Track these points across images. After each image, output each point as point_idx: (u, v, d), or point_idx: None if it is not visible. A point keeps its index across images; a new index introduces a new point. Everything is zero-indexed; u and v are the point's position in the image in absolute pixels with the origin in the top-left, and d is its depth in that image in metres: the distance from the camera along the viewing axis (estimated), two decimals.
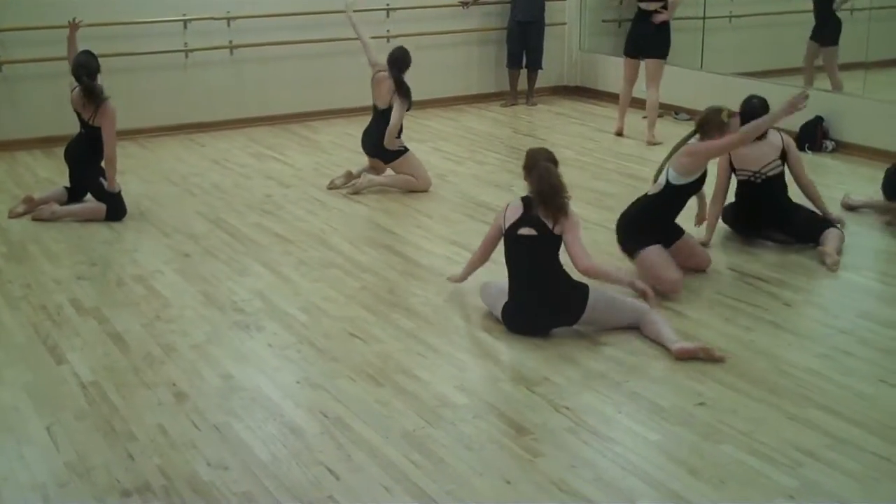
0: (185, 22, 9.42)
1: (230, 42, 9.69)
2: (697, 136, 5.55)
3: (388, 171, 7.68)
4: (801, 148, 8.53)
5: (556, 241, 4.89)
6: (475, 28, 10.88)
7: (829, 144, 8.60)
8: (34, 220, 6.81)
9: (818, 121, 8.63)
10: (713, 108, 5.58)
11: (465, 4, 10.59)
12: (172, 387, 4.44)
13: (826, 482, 3.67)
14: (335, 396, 4.35)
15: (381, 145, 7.50)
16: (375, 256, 6.14)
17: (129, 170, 8.08)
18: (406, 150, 7.59)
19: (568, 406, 4.23)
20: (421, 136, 9.25)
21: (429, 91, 10.39)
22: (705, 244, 6.11)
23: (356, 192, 7.48)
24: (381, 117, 7.52)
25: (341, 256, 6.13)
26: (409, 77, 7.44)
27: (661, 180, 5.52)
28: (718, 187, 6.18)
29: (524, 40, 10.48)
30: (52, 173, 7.94)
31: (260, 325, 5.13)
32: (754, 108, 5.96)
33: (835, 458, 3.82)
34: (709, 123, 5.50)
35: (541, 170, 4.89)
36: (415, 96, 7.43)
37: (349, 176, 7.67)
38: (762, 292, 5.51)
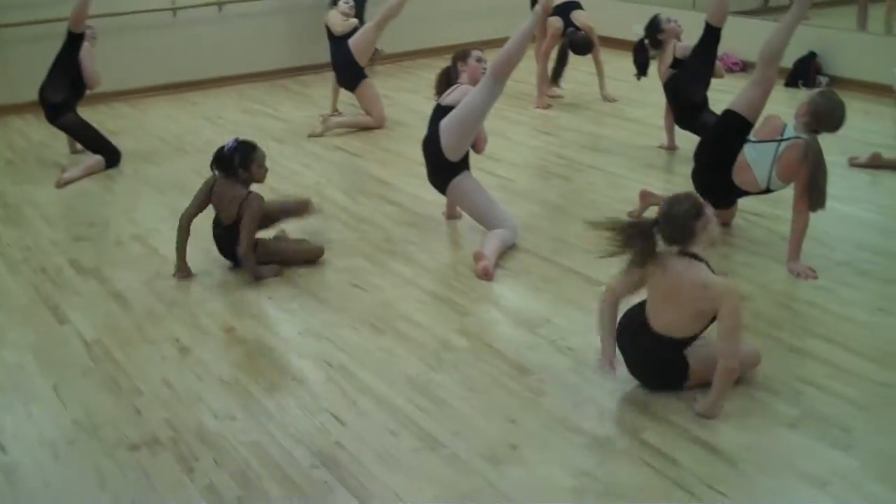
0: None
1: None
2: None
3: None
4: (794, 84, 8.54)
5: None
6: None
7: (823, 80, 8.56)
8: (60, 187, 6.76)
9: (811, 56, 8.60)
10: None
11: None
12: (175, 342, 4.47)
13: (827, 410, 3.71)
14: (338, 345, 4.37)
15: (344, 73, 8.02)
16: (372, 206, 6.15)
17: (122, 130, 8.05)
18: (366, 76, 8.06)
19: (570, 347, 4.27)
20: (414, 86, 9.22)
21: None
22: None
23: (318, 136, 7.81)
24: (339, 41, 8.02)
25: (338, 208, 6.13)
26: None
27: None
28: None
29: None
30: (45, 136, 7.90)
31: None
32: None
33: (835, 387, 3.86)
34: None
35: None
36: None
37: (325, 120, 8.04)
38: (759, 227, 5.53)
